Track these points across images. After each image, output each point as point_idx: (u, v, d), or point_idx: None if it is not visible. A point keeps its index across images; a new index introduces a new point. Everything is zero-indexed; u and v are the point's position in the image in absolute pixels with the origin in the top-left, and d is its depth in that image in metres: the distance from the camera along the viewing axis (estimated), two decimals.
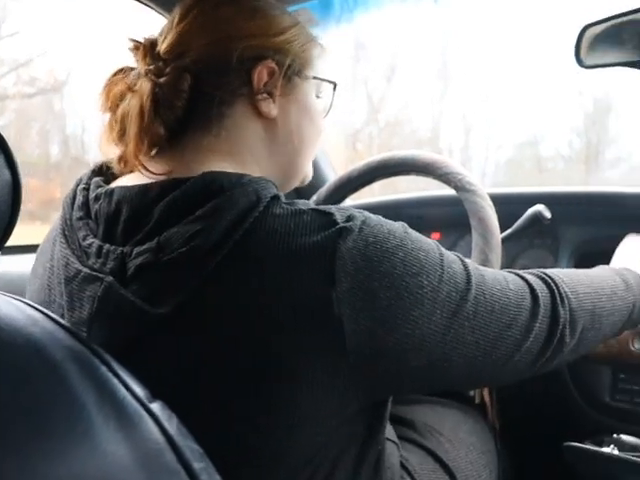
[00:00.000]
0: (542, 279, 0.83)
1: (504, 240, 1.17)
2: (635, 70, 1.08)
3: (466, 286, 0.72)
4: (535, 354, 0.79)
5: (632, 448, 1.18)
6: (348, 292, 0.65)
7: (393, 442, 0.96)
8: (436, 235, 1.61)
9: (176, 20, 0.81)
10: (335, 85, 0.93)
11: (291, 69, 0.82)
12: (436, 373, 0.73)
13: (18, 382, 0.49)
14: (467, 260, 0.76)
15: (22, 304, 0.58)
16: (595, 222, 1.38)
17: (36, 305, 0.59)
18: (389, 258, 0.67)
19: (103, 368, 0.54)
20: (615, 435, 1.20)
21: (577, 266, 1.36)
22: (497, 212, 1.11)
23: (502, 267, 1.44)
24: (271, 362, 0.65)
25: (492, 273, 0.78)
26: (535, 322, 0.78)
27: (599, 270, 0.97)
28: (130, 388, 0.53)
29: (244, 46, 0.78)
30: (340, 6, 1.56)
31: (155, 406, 0.53)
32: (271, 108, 0.81)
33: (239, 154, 0.80)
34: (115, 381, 0.53)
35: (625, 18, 1.06)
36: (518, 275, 0.82)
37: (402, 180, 1.39)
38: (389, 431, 0.94)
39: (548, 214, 1.21)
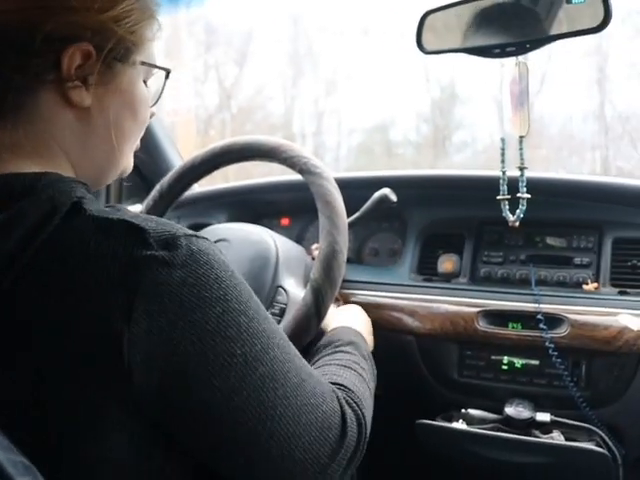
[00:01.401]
0: (356, 415, 0.76)
1: (352, 224, 1.17)
2: (475, 56, 1.11)
3: (283, 378, 0.64)
4: (338, 473, 0.72)
5: (480, 421, 1.22)
6: (144, 335, 0.55)
7: None
8: (285, 220, 1.59)
9: None
10: (168, 72, 0.82)
11: (113, 53, 0.69)
12: (216, 456, 0.65)
13: None
14: (295, 350, 0.69)
15: None
16: (441, 204, 1.41)
17: None
18: (204, 309, 0.57)
19: None
20: (464, 410, 1.24)
21: (424, 248, 1.38)
22: (346, 196, 1.10)
23: (352, 251, 1.46)
24: (51, 394, 0.56)
25: (313, 382, 0.70)
26: (333, 462, 0.70)
27: (360, 367, 0.91)
28: None
29: (55, 21, 0.64)
30: None
31: None
32: (84, 97, 0.68)
33: (46, 149, 0.68)
34: None
35: (464, 5, 1.08)
36: (337, 399, 0.74)
37: (258, 166, 1.36)
38: None
39: (394, 197, 1.22)
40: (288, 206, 1.59)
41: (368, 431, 0.78)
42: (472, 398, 1.26)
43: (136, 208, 1.65)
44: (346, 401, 0.76)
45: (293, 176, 1.27)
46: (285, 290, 1.13)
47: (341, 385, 0.79)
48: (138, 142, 0.81)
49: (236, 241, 1.21)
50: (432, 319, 1.24)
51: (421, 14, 1.12)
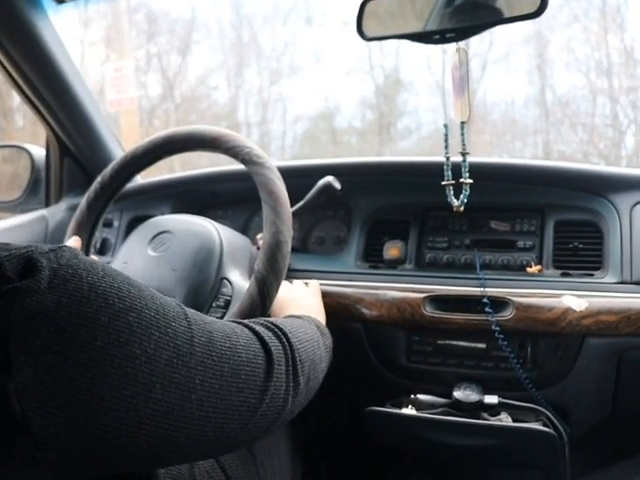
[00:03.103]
0: (272, 330, 0.77)
1: (296, 213, 1.16)
2: (416, 43, 1.11)
3: (189, 348, 0.60)
4: (271, 417, 0.71)
5: (429, 406, 1.23)
6: (32, 379, 0.49)
7: None
8: (230, 211, 1.58)
9: None
10: None
11: None
12: (156, 459, 0.62)
13: None
14: (191, 312, 0.65)
15: None
16: (385, 191, 1.41)
17: None
18: (88, 326, 0.51)
19: None
20: (413, 395, 1.25)
21: (370, 235, 1.39)
22: (290, 185, 1.09)
23: (297, 240, 1.45)
24: None
25: (220, 327, 0.67)
26: (270, 381, 0.70)
27: (300, 320, 0.93)
28: None
29: None
30: None
31: None
32: None
33: None
34: None
35: None
36: (247, 327, 0.73)
37: (204, 157, 1.34)
38: None
39: (338, 185, 1.21)
40: (233, 196, 1.57)
41: (294, 344, 0.78)
42: (421, 383, 1.27)
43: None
44: (256, 322, 0.77)
45: (237, 166, 1.26)
46: (230, 282, 1.12)
47: (255, 320, 0.80)
48: None
49: (179, 233, 1.19)
50: (379, 306, 1.24)
51: (361, 0, 1.11)
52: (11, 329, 0.48)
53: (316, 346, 0.87)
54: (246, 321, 0.76)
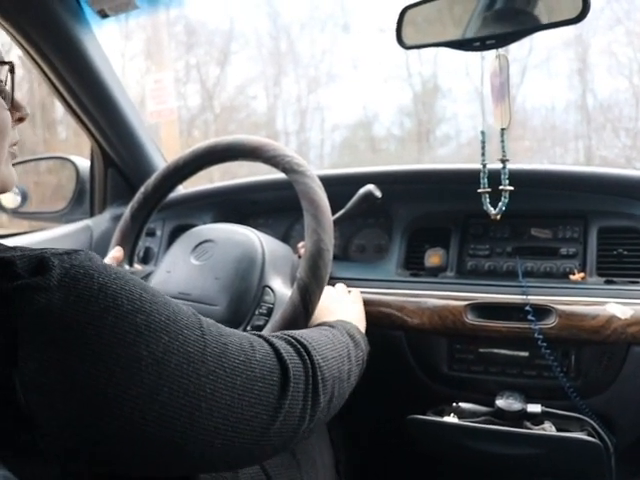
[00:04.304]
0: (293, 346, 0.75)
1: (337, 221, 1.16)
2: (455, 50, 1.11)
3: (201, 357, 0.60)
4: (286, 435, 0.69)
5: (471, 414, 1.22)
6: (38, 373, 0.50)
7: None
8: (271, 220, 1.59)
9: None
10: (11, 66, 0.73)
11: None
12: (160, 465, 0.60)
13: None
14: (208, 322, 0.65)
15: None
16: (426, 199, 1.41)
17: None
18: (94, 324, 0.52)
19: None
20: (455, 404, 1.24)
21: (411, 243, 1.38)
22: (330, 194, 1.10)
23: (338, 248, 1.45)
24: None
25: (237, 339, 0.66)
26: (285, 399, 0.68)
27: (331, 331, 0.91)
28: None
29: None
30: None
31: None
32: None
33: None
34: None
35: (444, 0, 1.08)
36: (267, 341, 0.72)
37: (243, 166, 1.36)
38: None
39: (378, 193, 1.22)
40: (273, 205, 1.59)
41: (317, 362, 0.76)
42: (463, 392, 1.26)
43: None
44: (278, 337, 0.75)
45: (278, 175, 1.27)
46: (272, 289, 1.13)
47: (282, 333, 0.78)
48: (13, 149, 0.74)
49: (222, 242, 1.20)
50: (420, 314, 1.23)
51: (400, 9, 1.11)
52: (19, 324, 0.50)
53: (344, 362, 0.85)
54: (269, 335, 0.75)
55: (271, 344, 0.71)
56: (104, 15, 1.49)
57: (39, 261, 0.53)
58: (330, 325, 0.95)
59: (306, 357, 0.74)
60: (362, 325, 1.08)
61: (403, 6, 1.12)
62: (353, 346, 0.92)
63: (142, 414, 0.54)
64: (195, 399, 0.58)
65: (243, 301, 1.11)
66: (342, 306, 1.12)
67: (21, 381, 0.49)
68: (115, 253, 1.28)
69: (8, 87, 0.72)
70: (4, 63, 0.71)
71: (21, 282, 0.51)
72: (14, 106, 0.73)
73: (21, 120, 0.75)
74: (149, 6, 1.53)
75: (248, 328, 1.09)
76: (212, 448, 0.61)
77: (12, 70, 0.72)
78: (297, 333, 0.80)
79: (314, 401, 0.73)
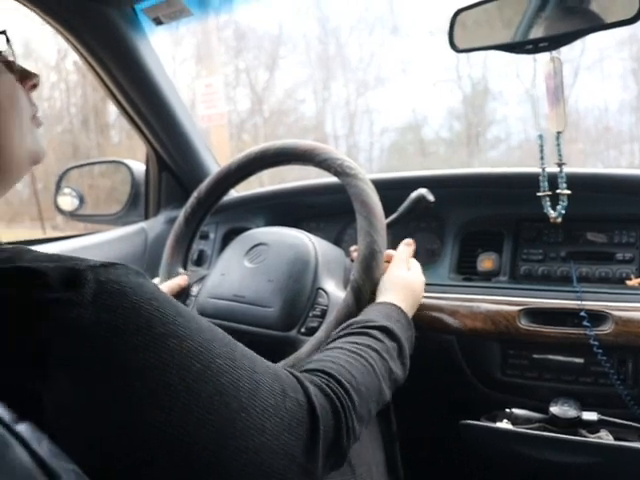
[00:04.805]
0: (333, 391, 0.69)
1: (390, 225, 1.16)
2: (506, 53, 1.10)
3: (234, 390, 0.57)
4: (317, 469, 0.65)
5: (525, 421, 1.21)
6: (63, 389, 0.48)
7: None
8: (323, 223, 1.60)
9: None
10: (6, 35, 0.69)
11: None
12: None
13: None
14: (242, 352, 0.62)
15: None
16: (478, 203, 1.40)
17: None
18: (125, 345, 0.51)
19: None
20: (508, 410, 1.23)
21: (463, 247, 1.38)
22: (382, 197, 1.10)
23: None
24: None
25: (269, 380, 0.62)
26: (312, 452, 0.63)
27: (378, 345, 0.85)
28: None
29: None
30: None
31: (22, 428, 0.48)
32: None
33: None
34: None
35: (495, 3, 1.07)
36: (301, 385, 0.66)
37: (292, 170, 1.37)
38: None
39: (431, 197, 1.21)
40: (325, 209, 1.60)
41: (351, 420, 0.70)
42: (516, 397, 1.25)
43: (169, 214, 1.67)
44: (320, 389, 0.69)
45: (329, 179, 1.28)
46: (326, 292, 1.13)
47: (322, 372, 0.73)
48: (36, 117, 0.72)
49: (275, 245, 1.21)
50: (473, 318, 1.23)
51: (452, 12, 1.11)
52: (49, 339, 0.48)
53: (381, 386, 0.80)
54: (305, 378, 0.69)
55: (305, 390, 0.66)
56: (159, 22, 1.52)
57: (73, 274, 0.51)
58: (372, 335, 0.88)
59: (345, 401, 0.70)
60: (415, 305, 1.07)
61: (455, 9, 1.12)
62: (394, 354, 0.88)
63: (167, 445, 0.52)
64: (223, 435, 0.55)
65: (297, 303, 1.12)
66: (405, 287, 1.07)
67: (50, 400, 0.48)
68: (180, 281, 1.30)
69: (11, 57, 0.69)
70: None
71: (52, 295, 0.50)
72: (23, 75, 0.71)
73: (34, 87, 0.73)
74: (201, 12, 1.55)
75: (302, 330, 1.10)
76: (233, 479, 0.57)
77: (7, 40, 0.69)
78: (335, 370, 0.74)
79: (347, 437, 0.69)
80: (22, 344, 0.49)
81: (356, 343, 0.84)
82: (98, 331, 0.50)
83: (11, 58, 0.69)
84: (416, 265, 1.16)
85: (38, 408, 0.48)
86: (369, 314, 0.95)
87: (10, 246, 0.58)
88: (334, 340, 0.87)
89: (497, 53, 1.11)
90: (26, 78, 0.71)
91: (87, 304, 0.50)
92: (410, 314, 1.02)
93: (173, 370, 0.53)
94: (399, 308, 0.99)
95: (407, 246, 1.17)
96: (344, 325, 0.93)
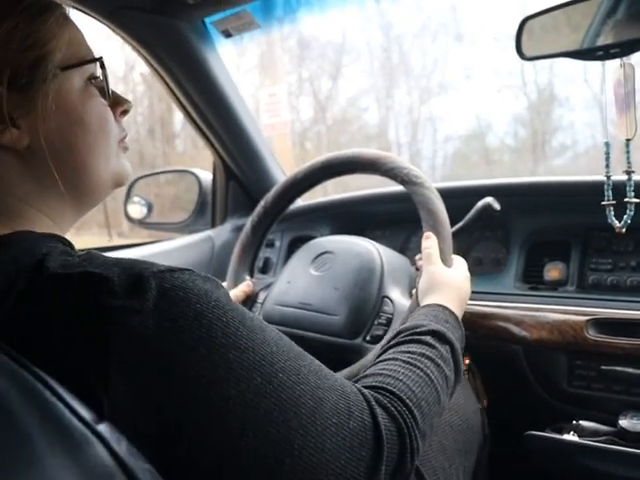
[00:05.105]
0: (398, 411, 0.67)
1: (455, 233, 1.16)
2: (575, 60, 1.09)
3: (294, 407, 0.56)
4: None
5: (592, 433, 1.19)
6: (125, 399, 0.49)
7: None
8: (388, 232, 1.60)
9: None
10: (101, 61, 0.70)
11: (18, 80, 0.61)
12: None
13: None
14: (310, 367, 0.61)
15: None
16: (544, 211, 1.39)
17: None
18: (185, 354, 0.51)
19: (47, 393, 0.50)
20: (574, 421, 1.21)
21: (529, 256, 1.36)
22: (447, 206, 1.11)
23: None
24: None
25: (334, 397, 0.61)
26: (375, 472, 0.60)
27: (431, 352, 0.82)
28: (75, 411, 0.50)
29: None
30: (283, 7, 1.55)
31: (103, 428, 0.50)
32: (15, 137, 0.62)
33: (7, 208, 0.63)
34: (60, 405, 0.50)
35: (562, 10, 1.06)
36: (369, 406, 0.64)
37: (355, 179, 1.38)
38: None
39: (498, 206, 1.21)
40: (389, 217, 1.61)
41: (416, 440, 0.67)
42: (583, 409, 1.23)
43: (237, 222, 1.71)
44: (385, 409, 0.66)
45: (393, 188, 1.28)
46: (391, 300, 1.14)
47: (385, 391, 0.70)
48: (123, 141, 0.74)
49: (341, 253, 1.23)
50: (539, 328, 1.21)
51: (520, 20, 1.11)
52: (111, 344, 0.49)
53: (439, 397, 0.77)
54: (371, 395, 0.67)
55: (371, 409, 0.64)
56: (228, 35, 1.56)
57: (138, 280, 0.53)
58: (424, 342, 0.85)
59: (406, 439, 0.66)
60: (462, 302, 1.01)
61: (523, 17, 1.11)
62: (447, 360, 0.85)
63: (221, 457, 0.52)
64: (279, 452, 0.54)
65: (362, 311, 1.13)
66: (448, 285, 1.03)
67: (109, 404, 0.49)
68: (245, 288, 1.33)
69: (104, 83, 0.71)
70: (94, 60, 0.70)
71: (117, 302, 0.51)
72: (115, 101, 0.72)
73: (125, 113, 0.75)
74: (267, 24, 1.58)
75: (367, 338, 1.11)
76: None
77: (102, 65, 0.71)
78: (397, 387, 0.71)
79: (411, 455, 0.66)
80: (85, 347, 0.50)
81: (410, 352, 0.81)
82: (158, 339, 0.51)
83: (104, 84, 0.71)
84: (459, 261, 1.11)
85: (99, 410, 0.49)
86: (416, 319, 0.92)
87: (83, 252, 0.60)
88: (386, 350, 0.85)
89: (564, 59, 1.10)
90: (118, 104, 0.74)
91: (149, 312, 0.51)
92: (458, 312, 0.97)
93: (232, 383, 0.53)
94: (445, 308, 0.95)
95: (428, 239, 1.09)
96: (394, 334, 0.90)
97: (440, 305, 0.95)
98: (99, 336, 0.50)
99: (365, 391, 0.67)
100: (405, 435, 0.65)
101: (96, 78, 0.70)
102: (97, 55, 0.70)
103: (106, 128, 0.70)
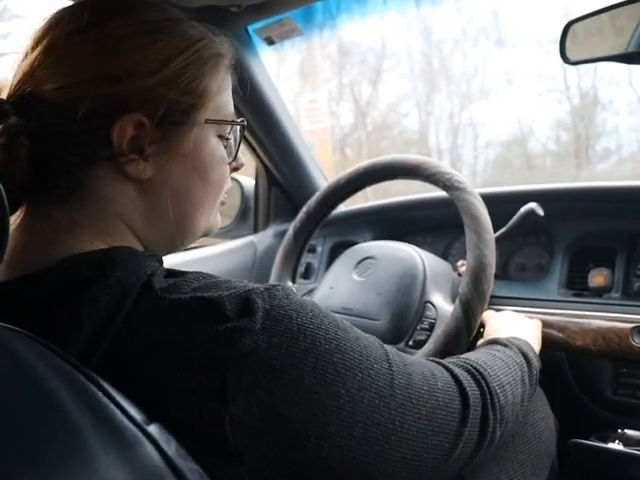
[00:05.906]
0: (471, 374, 0.74)
1: (499, 239, 1.16)
2: (620, 63, 1.08)
3: (390, 390, 0.61)
4: (463, 461, 0.70)
5: (638, 443, 1.17)
6: (245, 413, 0.52)
7: None
8: (430, 237, 1.60)
9: (23, 55, 0.64)
10: (243, 126, 0.76)
11: (168, 119, 0.64)
12: None
13: (11, 411, 0.48)
14: (392, 353, 0.66)
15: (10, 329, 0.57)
16: (589, 217, 1.37)
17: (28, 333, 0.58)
18: (296, 365, 0.55)
19: (99, 394, 0.52)
20: (620, 430, 1.19)
21: (573, 262, 1.35)
22: (489, 212, 1.11)
23: (497, 266, 1.45)
24: None
25: (419, 368, 0.67)
26: (465, 427, 0.68)
27: (505, 352, 0.88)
28: (127, 412, 0.51)
29: (95, 96, 0.60)
30: (323, 14, 1.56)
31: (153, 429, 0.51)
32: (141, 170, 0.64)
33: (109, 226, 0.64)
34: (111, 406, 0.51)
35: (607, 13, 1.06)
36: (446, 369, 0.72)
37: (395, 184, 1.39)
38: None
39: (541, 211, 1.20)
40: (431, 223, 1.61)
41: (493, 389, 0.75)
42: (629, 418, 1.22)
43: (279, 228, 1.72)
44: (455, 364, 0.75)
45: (435, 193, 1.28)
46: (434, 305, 1.14)
47: (465, 362, 0.77)
48: (223, 197, 0.77)
49: (384, 258, 1.24)
50: (583, 335, 1.20)
51: (564, 24, 1.10)
52: (228, 365, 0.53)
53: (518, 386, 0.83)
54: (446, 362, 0.75)
55: (450, 371, 0.72)
56: (270, 42, 1.58)
57: (245, 302, 0.56)
58: (503, 344, 0.92)
59: (484, 385, 0.74)
60: (535, 340, 1.04)
61: (567, 21, 1.11)
62: (527, 367, 0.89)
63: (340, 450, 0.57)
64: (386, 432, 0.60)
65: (405, 316, 1.14)
66: (516, 322, 1.10)
67: (230, 419, 0.52)
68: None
69: (233, 142, 0.75)
70: (240, 124, 0.75)
71: (230, 325, 0.54)
72: (234, 159, 0.76)
73: (236, 170, 0.79)
74: (308, 31, 1.60)
75: (410, 343, 1.12)
76: (400, 477, 0.62)
77: (243, 129, 0.76)
78: (472, 359, 0.79)
79: (493, 428, 0.73)
80: (202, 376, 0.53)
81: (496, 350, 0.88)
82: (271, 356, 0.54)
83: (234, 145, 0.75)
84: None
85: (220, 430, 0.52)
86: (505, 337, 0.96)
87: (179, 272, 0.63)
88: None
89: (608, 63, 1.09)
90: (237, 167, 0.78)
91: (259, 331, 0.54)
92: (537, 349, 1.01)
93: (340, 383, 0.57)
94: (529, 344, 0.97)
95: None
96: (483, 342, 0.95)
97: (525, 340, 0.97)
98: (215, 359, 0.53)
99: (433, 358, 0.76)
100: (482, 383, 0.74)
101: (228, 139, 0.72)
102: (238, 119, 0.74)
103: (222, 186, 0.74)
